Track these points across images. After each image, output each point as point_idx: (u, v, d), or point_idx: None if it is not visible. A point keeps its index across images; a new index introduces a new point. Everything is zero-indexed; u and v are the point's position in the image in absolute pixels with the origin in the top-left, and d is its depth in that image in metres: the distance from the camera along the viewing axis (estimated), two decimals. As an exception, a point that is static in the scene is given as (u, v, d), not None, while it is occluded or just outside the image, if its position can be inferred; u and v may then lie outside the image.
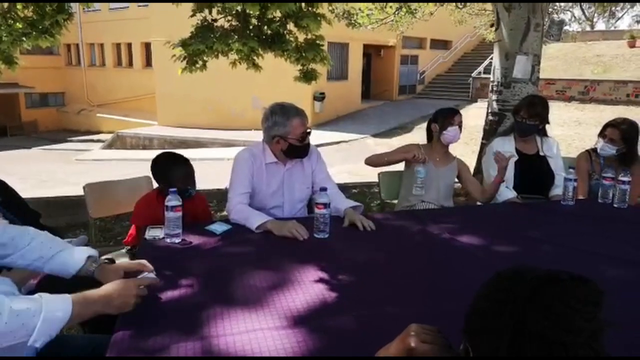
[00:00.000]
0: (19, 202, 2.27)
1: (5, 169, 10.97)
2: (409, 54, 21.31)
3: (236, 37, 5.29)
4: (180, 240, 2.00)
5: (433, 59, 22.33)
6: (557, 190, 3.01)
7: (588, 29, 30.53)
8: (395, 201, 3.26)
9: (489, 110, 5.30)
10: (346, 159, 10.41)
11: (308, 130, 2.39)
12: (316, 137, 2.44)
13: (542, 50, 5.13)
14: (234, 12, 5.41)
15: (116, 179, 3.10)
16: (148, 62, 20.66)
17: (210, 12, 5.48)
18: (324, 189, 2.16)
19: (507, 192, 2.96)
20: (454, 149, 3.13)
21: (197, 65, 5.53)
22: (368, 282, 1.70)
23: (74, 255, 1.52)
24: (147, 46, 19.90)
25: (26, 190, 2.53)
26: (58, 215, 4.90)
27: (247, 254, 1.95)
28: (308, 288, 1.61)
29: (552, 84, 16.71)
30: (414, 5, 8.44)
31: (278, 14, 5.28)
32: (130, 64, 22.68)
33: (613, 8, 25.45)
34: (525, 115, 2.99)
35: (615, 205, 2.71)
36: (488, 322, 0.74)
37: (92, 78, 23.65)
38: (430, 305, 1.55)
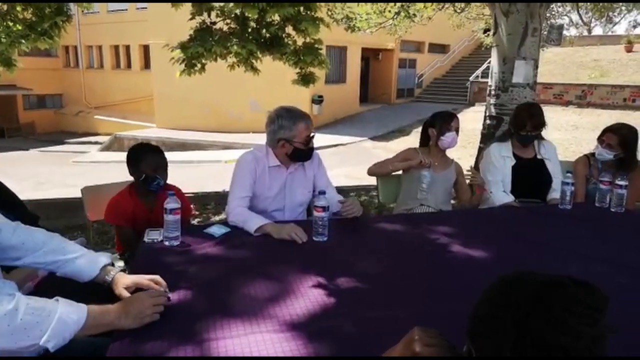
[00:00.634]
0: (18, 204, 2.26)
1: (3, 170, 10.94)
2: (407, 58, 21.36)
3: (235, 40, 5.30)
4: (178, 243, 2.00)
5: (431, 62, 22.40)
6: (554, 194, 3.02)
7: (585, 33, 30.69)
8: (393, 205, 3.26)
9: (487, 114, 5.32)
10: (344, 162, 10.42)
11: (312, 134, 2.40)
12: (314, 140, 2.46)
13: (540, 55, 5.15)
14: (232, 15, 5.43)
15: (113, 182, 3.09)
16: (146, 65, 20.65)
17: (209, 15, 5.49)
18: (322, 192, 2.17)
19: (504, 197, 2.97)
20: (451, 152, 3.15)
21: (196, 68, 5.54)
22: (367, 285, 1.70)
23: (91, 263, 1.53)
24: (146, 48, 19.91)
25: (23, 192, 2.53)
26: (56, 218, 4.90)
27: (246, 257, 1.95)
28: (307, 291, 1.61)
29: (549, 88, 16.78)
30: (412, 9, 8.46)
31: (277, 17, 5.29)
32: (129, 66, 22.69)
33: (610, 13, 25.59)
34: (530, 129, 2.99)
35: (612, 210, 2.72)
36: (491, 325, 0.75)
37: (90, 80, 23.65)
38: (430, 308, 1.55)
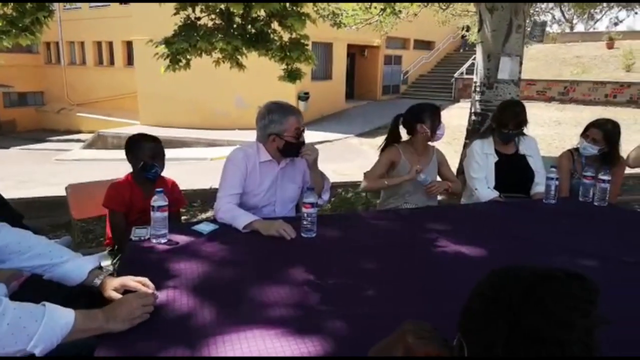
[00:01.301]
0: (1, 203, 2.22)
1: (-17, 169, 10.73)
2: (392, 54, 21.44)
3: (220, 35, 5.26)
4: (166, 240, 1.98)
5: (416, 59, 22.51)
6: (538, 188, 3.06)
7: (567, 30, 31.07)
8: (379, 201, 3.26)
9: (472, 111, 5.36)
10: (331, 158, 10.42)
11: (303, 129, 2.41)
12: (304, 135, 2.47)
13: (524, 52, 5.20)
14: (217, 10, 5.39)
15: (98, 180, 3.04)
16: (130, 61, 20.38)
17: (193, 10, 5.44)
18: (310, 189, 2.16)
19: (490, 193, 3.00)
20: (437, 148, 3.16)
21: (181, 64, 5.49)
22: (356, 281, 1.70)
23: (79, 267, 1.52)
24: (129, 45, 19.64)
25: (5, 191, 2.48)
26: (40, 216, 4.82)
27: (234, 255, 1.94)
28: (296, 288, 1.61)
29: (532, 85, 16.99)
30: (398, 6, 8.47)
31: (262, 12, 5.27)
32: (112, 62, 22.37)
33: (592, 10, 25.93)
34: (512, 127, 3.03)
35: (595, 204, 2.77)
36: (483, 320, 0.75)
37: (72, 77, 23.25)
38: (420, 304, 1.56)
